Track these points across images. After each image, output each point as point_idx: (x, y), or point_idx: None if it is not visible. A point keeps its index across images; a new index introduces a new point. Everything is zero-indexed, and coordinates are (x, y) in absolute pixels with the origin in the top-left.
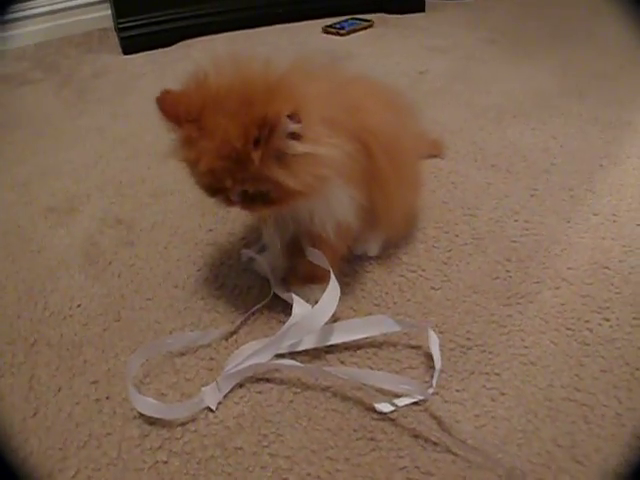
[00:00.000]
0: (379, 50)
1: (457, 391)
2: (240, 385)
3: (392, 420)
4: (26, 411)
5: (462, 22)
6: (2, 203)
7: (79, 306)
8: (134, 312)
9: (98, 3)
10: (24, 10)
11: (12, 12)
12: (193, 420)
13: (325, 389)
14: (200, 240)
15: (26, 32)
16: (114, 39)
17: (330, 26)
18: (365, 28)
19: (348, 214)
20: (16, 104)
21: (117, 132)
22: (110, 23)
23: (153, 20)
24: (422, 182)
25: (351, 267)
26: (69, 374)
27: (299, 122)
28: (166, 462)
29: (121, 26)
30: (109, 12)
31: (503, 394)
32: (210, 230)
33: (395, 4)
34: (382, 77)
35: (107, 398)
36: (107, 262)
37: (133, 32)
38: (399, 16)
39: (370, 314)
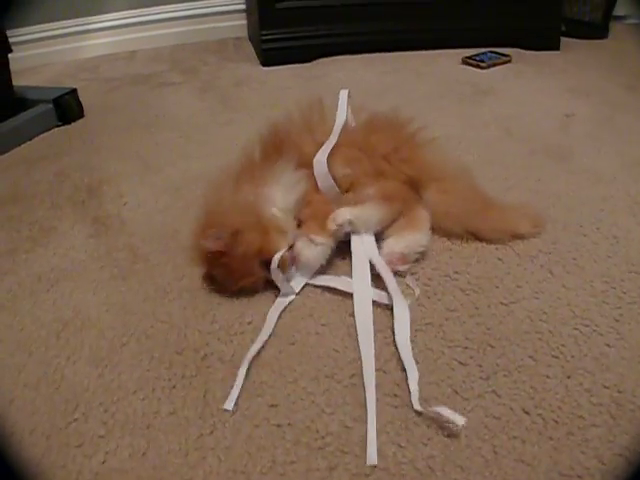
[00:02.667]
0: (520, 87)
1: None
2: (427, 426)
3: (586, 469)
4: (202, 428)
5: (597, 64)
6: (154, 206)
7: (249, 323)
8: (309, 336)
9: (235, 12)
10: (163, 13)
11: None
12: (382, 456)
13: (512, 438)
14: None
15: (162, 34)
16: (249, 49)
17: (470, 57)
18: (504, 62)
19: None
20: (159, 104)
21: None
22: (244, 33)
23: (295, 35)
24: None
25: (528, 315)
26: (245, 394)
27: None
28: None
29: (264, 38)
30: (244, 22)
31: None
32: None
33: (531, 40)
34: (527, 116)
35: (289, 424)
36: None
37: (275, 45)
38: (535, 52)
39: (549, 366)
